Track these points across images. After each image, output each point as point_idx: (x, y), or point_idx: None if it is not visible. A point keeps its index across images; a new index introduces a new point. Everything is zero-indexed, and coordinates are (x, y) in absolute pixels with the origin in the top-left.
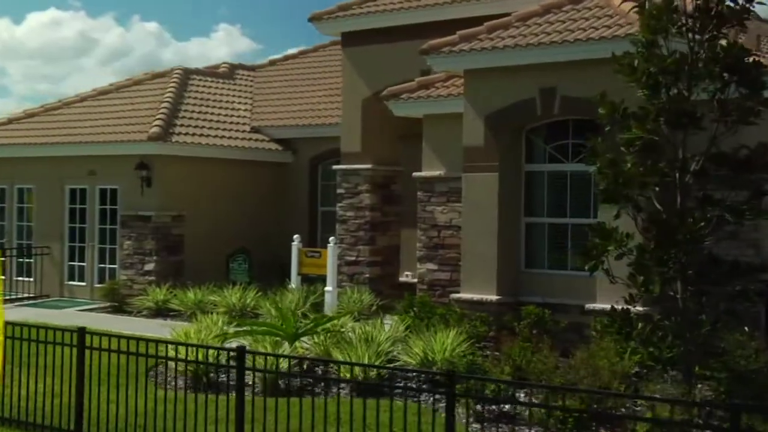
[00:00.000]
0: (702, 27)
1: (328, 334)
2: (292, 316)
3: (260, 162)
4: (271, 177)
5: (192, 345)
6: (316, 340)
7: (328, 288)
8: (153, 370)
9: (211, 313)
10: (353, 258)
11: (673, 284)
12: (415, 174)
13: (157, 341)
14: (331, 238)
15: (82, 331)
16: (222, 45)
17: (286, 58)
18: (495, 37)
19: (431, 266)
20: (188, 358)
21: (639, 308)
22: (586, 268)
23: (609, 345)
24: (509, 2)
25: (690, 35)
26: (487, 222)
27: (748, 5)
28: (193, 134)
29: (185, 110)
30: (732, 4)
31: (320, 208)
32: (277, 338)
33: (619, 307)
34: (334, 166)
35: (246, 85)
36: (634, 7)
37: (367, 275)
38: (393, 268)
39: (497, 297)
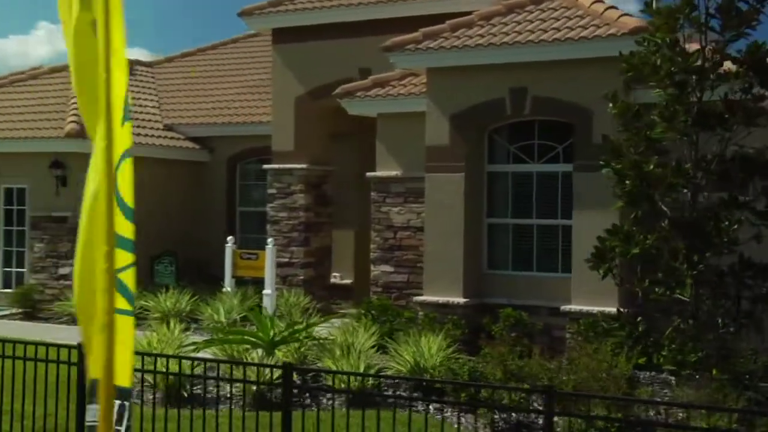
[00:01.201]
0: (724, 26)
1: (307, 342)
2: (270, 323)
3: (177, 161)
4: (188, 177)
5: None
6: (302, 348)
7: (266, 291)
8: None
9: (146, 320)
10: (286, 259)
11: (698, 287)
12: (370, 174)
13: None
14: (269, 240)
15: (80, 346)
16: (43, 43)
17: (184, 55)
18: (461, 35)
19: (387, 268)
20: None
21: (612, 309)
22: (600, 271)
23: (605, 348)
24: (448, 3)
25: (704, 36)
26: (453, 223)
27: (759, 5)
28: None
29: None
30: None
31: (239, 209)
32: (248, 346)
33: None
34: (265, 166)
35: (148, 82)
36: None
37: (302, 277)
38: (325, 270)
39: (464, 299)
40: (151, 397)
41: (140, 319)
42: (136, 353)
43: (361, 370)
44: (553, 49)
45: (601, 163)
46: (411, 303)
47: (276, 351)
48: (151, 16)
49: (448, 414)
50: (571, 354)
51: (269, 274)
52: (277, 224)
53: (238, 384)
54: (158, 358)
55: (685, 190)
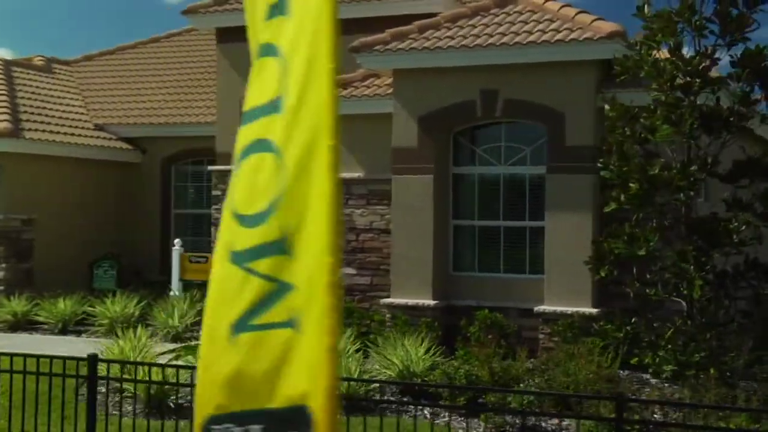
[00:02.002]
0: (723, 31)
1: None
2: None
3: (109, 162)
4: (121, 178)
5: None
6: None
7: None
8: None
9: (93, 325)
10: None
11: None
12: None
13: (117, 362)
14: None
15: (93, 359)
16: None
17: (102, 54)
18: (429, 36)
19: (349, 270)
20: None
21: (593, 310)
22: (603, 274)
23: (593, 348)
24: (407, 4)
25: (699, 40)
26: (422, 225)
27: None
28: (43, 131)
29: (23, 105)
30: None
31: (174, 211)
32: None
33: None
34: (210, 167)
35: (69, 80)
36: (637, 13)
37: None
38: None
39: (434, 302)
40: (130, 408)
41: (86, 325)
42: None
43: (356, 375)
44: (527, 52)
45: (599, 165)
46: (375, 305)
47: None
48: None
49: (445, 418)
50: (557, 355)
51: None
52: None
53: None
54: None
55: (691, 192)
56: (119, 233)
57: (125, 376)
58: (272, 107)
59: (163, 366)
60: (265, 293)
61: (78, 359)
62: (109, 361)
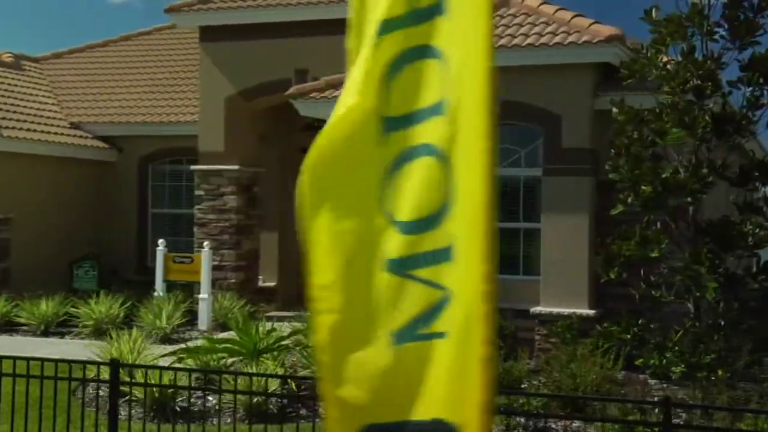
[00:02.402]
0: (733, 35)
1: (293, 348)
2: (254, 331)
3: (86, 161)
4: (97, 177)
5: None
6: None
7: (202, 295)
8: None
9: (77, 327)
10: (216, 263)
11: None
12: None
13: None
14: (205, 243)
15: (115, 363)
16: None
17: (72, 51)
18: None
19: None
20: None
21: (589, 311)
22: (612, 276)
23: (594, 349)
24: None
25: (706, 44)
26: None
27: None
28: (19, 128)
29: None
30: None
31: (151, 211)
32: (225, 355)
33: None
34: (192, 167)
35: (39, 78)
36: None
37: (233, 280)
38: (253, 273)
39: None
40: (140, 411)
41: (68, 326)
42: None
43: None
44: (525, 55)
45: (607, 167)
46: None
47: (261, 359)
48: None
49: None
50: (559, 356)
51: (206, 278)
52: (205, 227)
53: (240, 396)
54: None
55: (703, 195)
56: (96, 232)
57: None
58: (434, 110)
59: (239, 375)
60: (434, 302)
61: (88, 362)
62: (131, 366)
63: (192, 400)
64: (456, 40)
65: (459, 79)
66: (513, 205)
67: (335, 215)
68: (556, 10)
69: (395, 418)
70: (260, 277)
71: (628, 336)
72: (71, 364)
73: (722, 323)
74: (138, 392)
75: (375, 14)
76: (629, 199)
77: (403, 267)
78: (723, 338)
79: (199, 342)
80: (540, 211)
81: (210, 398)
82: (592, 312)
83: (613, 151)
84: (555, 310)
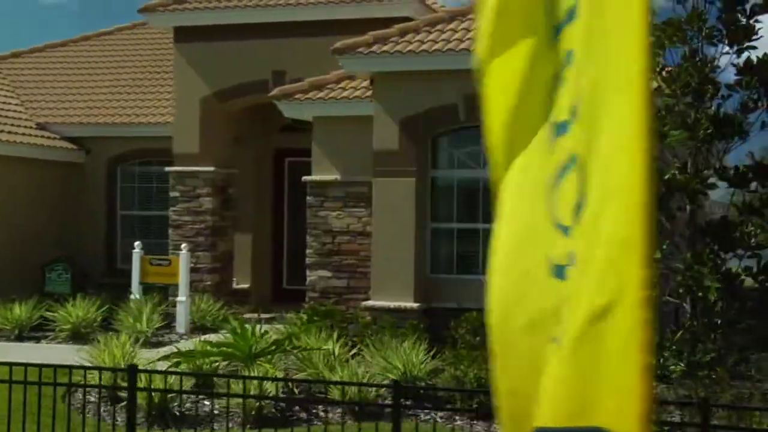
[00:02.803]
0: (730, 39)
1: (296, 352)
2: (251, 334)
3: (54, 162)
4: (65, 178)
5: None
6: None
7: (180, 298)
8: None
9: (53, 331)
10: (192, 265)
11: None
12: (306, 178)
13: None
14: (183, 245)
15: (133, 369)
16: None
17: (33, 50)
18: (411, 40)
19: (324, 273)
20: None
21: None
22: None
23: None
24: (377, 7)
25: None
26: (404, 228)
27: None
28: None
29: None
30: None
31: (120, 212)
32: (218, 359)
33: None
34: (167, 168)
35: (0, 77)
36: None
37: (208, 283)
38: (228, 275)
39: (417, 304)
40: (140, 417)
41: (42, 331)
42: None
43: (365, 379)
44: None
45: None
46: (351, 308)
47: (258, 363)
48: None
49: (458, 422)
50: None
51: (183, 280)
52: (181, 228)
53: (238, 399)
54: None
55: (704, 196)
56: (63, 235)
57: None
58: (573, 115)
59: (246, 378)
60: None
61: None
62: (150, 372)
63: (189, 405)
64: (592, 41)
65: (598, 80)
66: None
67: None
68: None
69: (563, 424)
70: (234, 279)
71: None
72: (71, 370)
73: (718, 322)
74: (140, 397)
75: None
76: None
77: (562, 272)
78: (721, 337)
79: (186, 345)
80: None
81: (206, 402)
82: None
83: None
84: None
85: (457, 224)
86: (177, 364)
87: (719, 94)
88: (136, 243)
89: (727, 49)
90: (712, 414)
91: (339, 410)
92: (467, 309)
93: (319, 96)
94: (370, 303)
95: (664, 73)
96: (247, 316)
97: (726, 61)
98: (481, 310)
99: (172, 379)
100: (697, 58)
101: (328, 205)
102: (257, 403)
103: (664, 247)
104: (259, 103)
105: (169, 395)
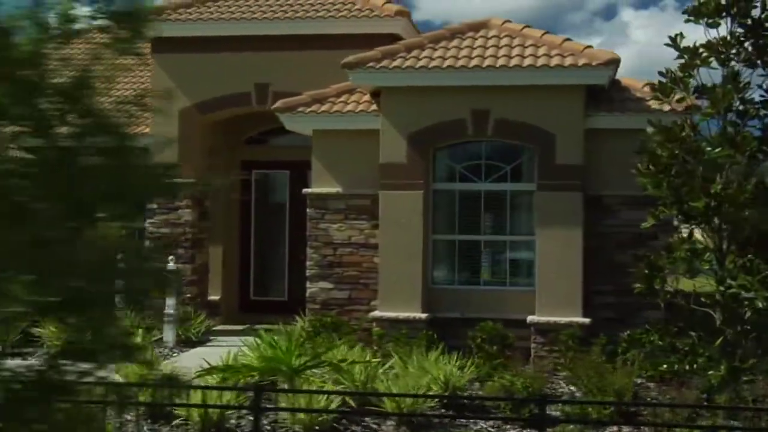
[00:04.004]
0: (763, 60)
1: (336, 365)
2: (294, 347)
3: None
4: None
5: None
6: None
7: (168, 311)
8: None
9: (42, 346)
10: None
11: None
12: (306, 190)
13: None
14: (170, 258)
15: (258, 389)
16: None
17: None
18: (420, 56)
19: (325, 285)
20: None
21: (585, 320)
22: (657, 287)
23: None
24: (366, 24)
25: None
26: (411, 240)
27: None
28: None
29: None
30: None
31: None
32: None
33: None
34: None
35: None
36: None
37: (188, 295)
38: (204, 287)
39: (425, 315)
40: None
41: (32, 346)
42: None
43: (421, 391)
44: (523, 75)
45: (644, 181)
46: (354, 319)
47: (300, 377)
48: None
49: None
50: (577, 364)
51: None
52: (158, 241)
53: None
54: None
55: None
56: None
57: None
58: None
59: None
60: None
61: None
62: (275, 390)
63: (243, 421)
64: None
65: None
66: (499, 218)
67: None
68: (543, 34)
69: None
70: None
71: (661, 343)
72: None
73: (751, 329)
74: (193, 414)
75: None
76: (660, 214)
77: None
78: (756, 343)
79: (187, 359)
80: (525, 224)
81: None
82: (588, 320)
83: (650, 167)
84: (552, 319)
85: (460, 236)
86: (223, 379)
87: (760, 113)
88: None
89: (760, 71)
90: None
91: (390, 422)
92: (471, 319)
93: (322, 109)
94: (377, 314)
95: (711, 93)
96: (218, 327)
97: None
98: (482, 319)
99: (228, 395)
100: (739, 80)
101: (329, 217)
102: (318, 417)
103: (710, 258)
104: (232, 115)
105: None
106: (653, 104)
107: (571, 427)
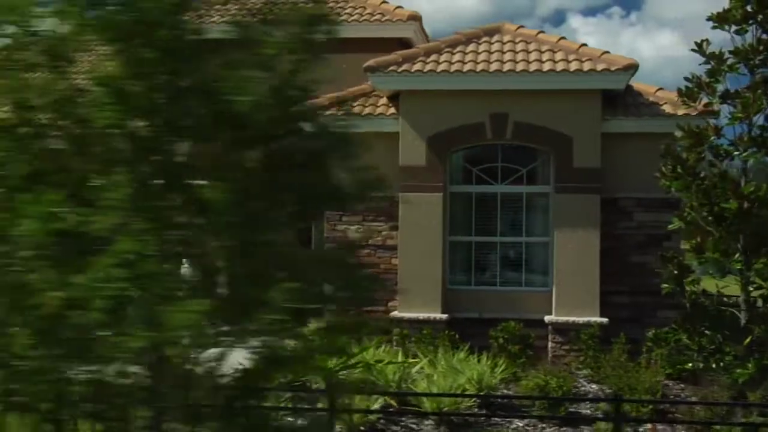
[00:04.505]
0: None
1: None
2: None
3: None
4: None
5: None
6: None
7: None
8: None
9: None
10: None
11: None
12: None
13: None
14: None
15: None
16: None
17: None
18: (439, 60)
19: None
20: None
21: (602, 319)
22: (689, 288)
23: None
24: (379, 28)
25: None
26: (430, 241)
27: None
28: None
29: None
30: None
31: None
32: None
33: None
34: None
35: None
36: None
37: None
38: None
39: (445, 315)
40: None
41: None
42: None
43: (458, 391)
44: (543, 79)
45: (668, 183)
46: (372, 320)
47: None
48: None
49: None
50: (603, 363)
51: None
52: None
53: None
54: None
55: None
56: None
57: None
58: None
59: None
60: None
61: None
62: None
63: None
64: None
65: None
66: (515, 220)
67: None
68: (559, 39)
69: None
70: None
71: (689, 341)
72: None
73: None
74: None
75: None
76: (688, 215)
77: None
78: None
79: None
80: (540, 226)
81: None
82: (605, 320)
83: (678, 169)
84: (570, 318)
85: (477, 237)
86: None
87: None
88: None
89: None
90: None
91: (429, 422)
92: (488, 319)
93: (338, 112)
94: (397, 314)
95: (741, 98)
96: None
97: None
98: (509, 319)
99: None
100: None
101: (346, 219)
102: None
103: (740, 258)
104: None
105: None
106: (667, 108)
107: (603, 425)
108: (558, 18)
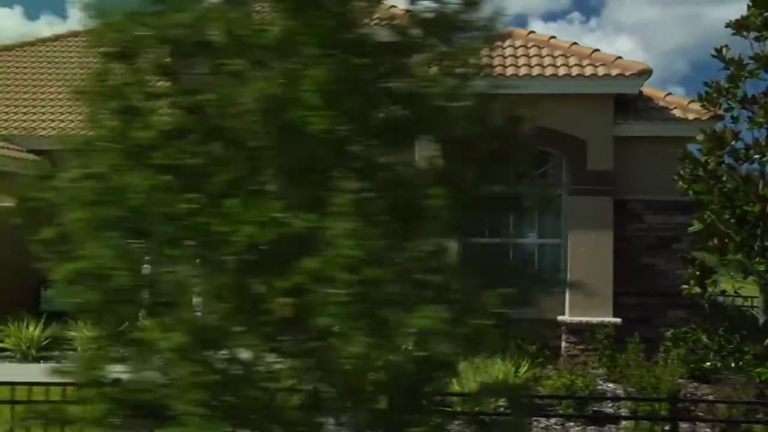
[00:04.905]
0: None
1: None
2: None
3: (19, 175)
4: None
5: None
6: None
7: None
8: None
9: (65, 351)
10: None
11: None
12: None
13: None
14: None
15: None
16: None
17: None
18: None
19: None
20: None
21: (616, 320)
22: (709, 288)
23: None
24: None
25: None
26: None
27: None
28: None
29: None
30: None
31: None
32: None
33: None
34: None
35: None
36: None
37: None
38: None
39: None
40: None
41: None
42: None
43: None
44: (558, 84)
45: (686, 186)
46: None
47: None
48: None
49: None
50: (621, 363)
51: None
52: None
53: None
54: None
55: None
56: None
57: None
58: None
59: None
60: None
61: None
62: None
63: None
64: None
65: None
66: (527, 222)
67: None
68: (571, 44)
69: None
70: None
71: (708, 341)
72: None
73: None
74: None
75: None
76: (708, 218)
77: None
78: None
79: None
80: (551, 228)
81: None
82: (619, 320)
83: (699, 172)
84: (584, 319)
85: (488, 239)
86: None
87: None
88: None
89: None
90: None
91: (458, 421)
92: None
93: None
94: None
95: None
96: None
97: None
98: (522, 319)
99: None
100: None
101: None
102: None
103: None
104: None
105: None
106: (677, 113)
107: (625, 423)
108: (519, 23)
